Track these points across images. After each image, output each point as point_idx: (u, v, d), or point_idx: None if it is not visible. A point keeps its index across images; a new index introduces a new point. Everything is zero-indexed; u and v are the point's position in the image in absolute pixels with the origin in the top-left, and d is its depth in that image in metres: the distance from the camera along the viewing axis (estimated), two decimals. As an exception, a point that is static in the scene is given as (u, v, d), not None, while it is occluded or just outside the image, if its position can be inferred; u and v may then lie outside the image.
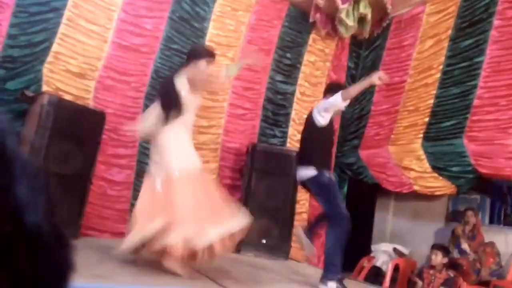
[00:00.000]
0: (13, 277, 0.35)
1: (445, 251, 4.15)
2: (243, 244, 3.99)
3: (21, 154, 0.38)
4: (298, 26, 5.41)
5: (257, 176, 4.49)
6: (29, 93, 3.62)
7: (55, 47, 3.89)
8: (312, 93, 5.54)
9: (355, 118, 5.59)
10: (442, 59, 4.63)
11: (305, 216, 5.26)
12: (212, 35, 4.82)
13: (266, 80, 5.20)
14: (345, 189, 5.62)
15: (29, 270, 0.36)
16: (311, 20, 5.21)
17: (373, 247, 5.39)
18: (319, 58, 5.62)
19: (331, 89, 3.36)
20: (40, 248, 0.37)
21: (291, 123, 5.30)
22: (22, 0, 3.72)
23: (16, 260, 0.35)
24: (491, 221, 4.81)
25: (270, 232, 4.36)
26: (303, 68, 5.49)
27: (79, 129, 3.54)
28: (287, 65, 5.38)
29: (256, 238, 4.22)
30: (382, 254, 5.09)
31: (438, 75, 4.62)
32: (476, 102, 4.17)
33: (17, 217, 0.36)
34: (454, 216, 5.05)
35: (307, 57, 5.52)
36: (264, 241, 4.33)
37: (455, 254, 4.41)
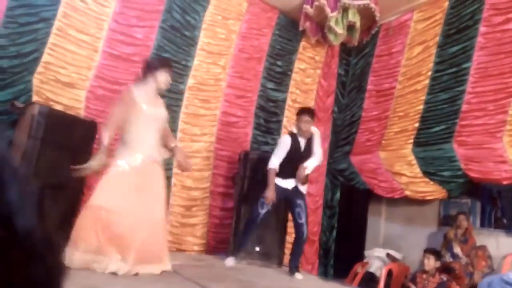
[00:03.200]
0: (6, 283, 0.35)
1: (438, 255, 4.18)
2: (237, 251, 4.00)
3: (11, 159, 0.39)
4: (289, 34, 5.46)
5: (250, 184, 4.49)
6: (18, 103, 3.60)
7: (45, 57, 3.87)
8: (303, 100, 5.58)
9: (346, 125, 5.63)
10: (431, 65, 4.70)
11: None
12: (203, 44, 4.84)
13: (258, 88, 5.23)
14: (338, 195, 5.64)
15: (22, 275, 0.37)
16: (301, 28, 5.27)
17: (366, 252, 5.40)
18: (309, 65, 5.68)
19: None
20: (33, 253, 0.38)
21: (283, 130, 5.33)
22: (11, 11, 3.70)
23: (10, 266, 0.36)
24: (482, 225, 4.85)
25: (263, 239, 4.35)
26: (294, 75, 5.53)
27: (70, 139, 3.52)
28: (278, 73, 5.42)
29: (249, 246, 4.21)
30: (376, 259, 5.10)
31: (427, 81, 4.69)
32: (464, 107, 4.23)
33: (9, 222, 0.36)
34: (446, 220, 5.09)
35: (297, 65, 5.57)
36: (257, 248, 4.32)
37: (448, 258, 4.44)
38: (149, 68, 3.07)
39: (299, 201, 3.83)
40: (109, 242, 2.68)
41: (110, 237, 2.69)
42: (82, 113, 4.03)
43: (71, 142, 3.52)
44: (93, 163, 2.84)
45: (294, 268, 3.84)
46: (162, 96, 4.52)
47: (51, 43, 3.90)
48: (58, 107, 3.83)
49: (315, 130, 4.00)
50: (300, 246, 3.89)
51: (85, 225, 2.69)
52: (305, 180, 3.91)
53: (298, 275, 3.78)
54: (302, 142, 3.90)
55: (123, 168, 2.86)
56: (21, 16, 3.75)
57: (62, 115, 3.64)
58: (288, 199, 3.91)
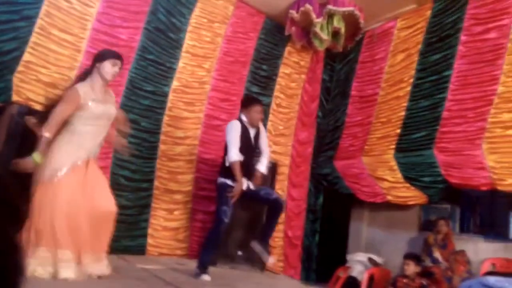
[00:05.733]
0: None
1: (418, 260, 4.23)
2: (219, 256, 3.95)
3: None
4: (274, 38, 5.49)
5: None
6: (-3, 102, 3.52)
7: (26, 56, 3.79)
8: (288, 105, 5.60)
9: (330, 130, 5.67)
10: (413, 72, 4.78)
11: (281, 227, 5.27)
12: (188, 46, 4.82)
13: (243, 91, 5.23)
14: (321, 199, 5.67)
15: None
16: (286, 33, 5.30)
17: (348, 257, 5.43)
18: (294, 70, 5.71)
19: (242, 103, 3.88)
20: None
21: (267, 134, 5.33)
22: (-9, 8, 3.62)
23: None
24: (461, 230, 4.94)
25: (245, 243, 4.33)
26: (279, 80, 5.56)
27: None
28: (263, 77, 5.43)
29: (232, 250, 4.19)
30: (358, 264, 5.13)
31: (409, 88, 4.77)
32: (445, 114, 4.31)
33: None
34: (426, 225, 5.16)
35: (282, 69, 5.59)
36: (240, 253, 4.30)
37: (428, 262, 4.49)
38: (94, 60, 3.02)
39: (261, 189, 3.65)
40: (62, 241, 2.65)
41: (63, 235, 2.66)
42: (63, 114, 3.94)
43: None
44: (36, 158, 2.71)
45: (265, 244, 3.57)
46: (145, 97, 4.47)
47: (32, 42, 3.82)
48: (38, 107, 3.75)
49: (261, 125, 3.83)
50: (277, 219, 3.63)
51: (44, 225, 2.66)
52: (260, 181, 3.73)
53: (271, 259, 3.63)
54: (252, 132, 3.69)
55: (65, 173, 2.79)
56: (2, 13, 3.67)
57: (42, 115, 3.56)
58: (248, 195, 3.61)
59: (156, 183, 4.57)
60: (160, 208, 4.59)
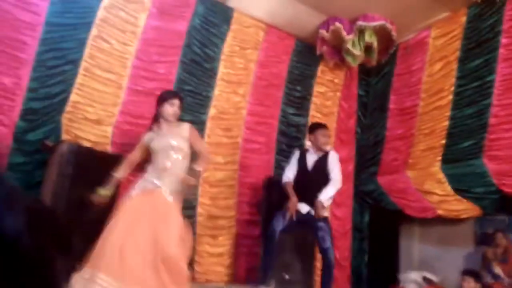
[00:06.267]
0: None
1: (477, 276, 3.98)
2: (266, 278, 3.91)
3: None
4: (306, 59, 5.52)
5: (276, 209, 4.44)
6: (49, 142, 3.73)
7: (73, 97, 4.03)
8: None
9: (370, 145, 5.56)
10: (453, 80, 4.63)
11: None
12: (223, 74, 4.95)
13: (279, 113, 5.27)
14: (367, 218, 5.51)
15: (5, 279, 0.37)
16: (318, 52, 5.32)
17: (401, 276, 5.19)
18: (329, 88, 5.69)
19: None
20: (19, 257, 0.38)
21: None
22: (40, 55, 3.90)
23: None
24: (522, 242, 4.60)
25: (292, 266, 4.26)
26: (314, 99, 5.55)
27: (99, 174, 3.59)
28: (297, 98, 5.45)
29: (278, 274, 4.13)
30: (411, 283, 4.89)
31: (451, 97, 4.61)
32: (492, 120, 4.12)
33: None
34: (483, 239, 4.86)
35: (317, 88, 5.59)
36: (287, 276, 4.23)
37: (488, 279, 4.21)
38: (157, 103, 3.23)
39: (320, 224, 3.62)
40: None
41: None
42: (109, 149, 4.14)
43: (100, 177, 3.60)
44: (102, 192, 2.97)
45: None
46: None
47: (78, 83, 4.07)
48: (87, 144, 3.96)
49: (331, 151, 3.86)
50: (328, 273, 3.65)
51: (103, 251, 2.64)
52: (322, 212, 3.71)
53: None
54: (311, 160, 3.77)
55: (130, 197, 2.90)
56: (49, 60, 3.95)
57: (91, 152, 3.75)
58: (307, 223, 3.69)
59: (199, 209, 4.63)
60: (205, 234, 4.63)
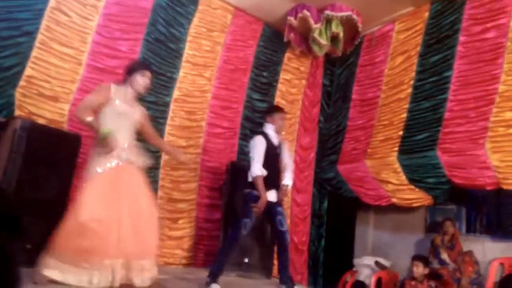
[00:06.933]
0: None
1: (426, 262, 4.19)
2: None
3: None
4: (273, 45, 5.52)
5: (237, 195, 4.47)
6: (0, 118, 3.54)
7: (27, 71, 3.82)
8: (289, 111, 5.60)
9: (332, 134, 5.67)
10: (413, 74, 4.78)
11: (286, 233, 5.24)
12: (188, 56, 4.85)
13: (244, 98, 5.25)
14: (326, 204, 5.66)
15: None
16: (285, 39, 5.32)
17: (355, 261, 5.40)
18: (294, 76, 5.73)
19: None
20: None
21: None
22: (-7, 25, 3.66)
23: None
24: (468, 231, 4.90)
25: (252, 250, 4.32)
26: (279, 86, 5.58)
27: (54, 153, 3.46)
28: (263, 84, 5.45)
29: (238, 258, 4.17)
30: (365, 267, 5.10)
31: (410, 90, 4.77)
32: (447, 115, 4.30)
33: None
34: (433, 226, 5.13)
35: (283, 75, 5.62)
36: (246, 260, 4.28)
37: (435, 264, 4.46)
38: (127, 71, 3.02)
39: (279, 208, 3.61)
40: (91, 254, 2.56)
41: (93, 247, 2.56)
42: (65, 127, 3.97)
43: (55, 156, 3.46)
44: (105, 130, 2.73)
45: (288, 280, 3.56)
46: (147, 108, 4.49)
47: (34, 56, 3.86)
48: (41, 121, 3.77)
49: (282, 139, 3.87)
50: (287, 255, 3.62)
51: (68, 236, 2.58)
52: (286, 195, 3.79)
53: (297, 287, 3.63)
54: (275, 142, 3.69)
55: (98, 174, 2.75)
56: (3, 30, 3.71)
57: (45, 129, 3.59)
58: (270, 209, 3.61)
59: (160, 193, 4.57)
60: (165, 218, 4.58)
